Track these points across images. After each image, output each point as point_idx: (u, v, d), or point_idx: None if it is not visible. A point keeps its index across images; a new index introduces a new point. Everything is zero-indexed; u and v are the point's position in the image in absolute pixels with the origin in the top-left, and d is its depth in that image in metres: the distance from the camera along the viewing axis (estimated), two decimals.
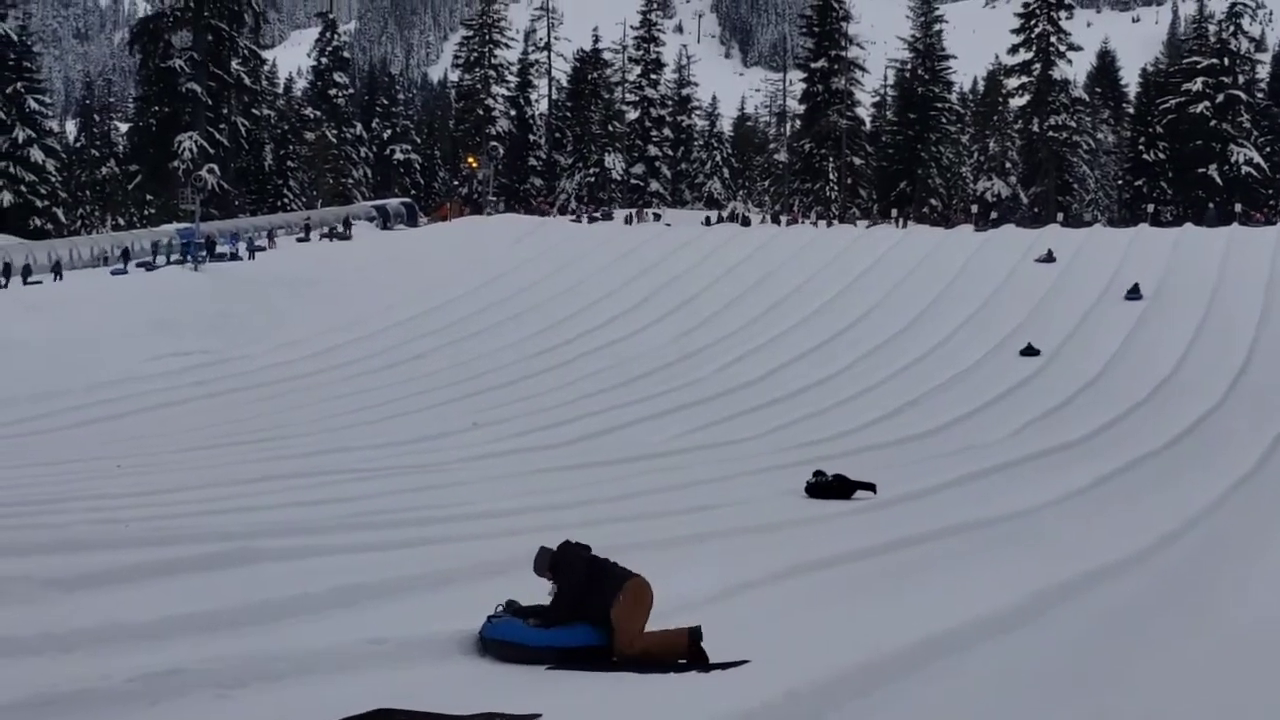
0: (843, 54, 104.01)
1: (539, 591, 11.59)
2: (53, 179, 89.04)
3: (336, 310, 57.57)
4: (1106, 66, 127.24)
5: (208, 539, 16.02)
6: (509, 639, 10.44)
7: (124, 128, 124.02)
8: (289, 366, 48.96)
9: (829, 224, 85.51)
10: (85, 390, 43.99)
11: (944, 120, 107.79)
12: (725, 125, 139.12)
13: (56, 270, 62.85)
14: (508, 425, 36.63)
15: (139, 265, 66.82)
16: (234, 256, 68.88)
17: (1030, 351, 48.11)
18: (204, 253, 67.19)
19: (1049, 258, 61.87)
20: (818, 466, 26.12)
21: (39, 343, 49.06)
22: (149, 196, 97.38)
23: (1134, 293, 55.34)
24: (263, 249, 72.00)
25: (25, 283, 60.26)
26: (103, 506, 21.40)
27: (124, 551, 14.90)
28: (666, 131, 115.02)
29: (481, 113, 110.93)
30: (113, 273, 64.18)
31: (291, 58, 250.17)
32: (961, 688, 9.72)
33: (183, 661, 9.02)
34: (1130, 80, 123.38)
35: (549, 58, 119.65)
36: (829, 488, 24.12)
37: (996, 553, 17.78)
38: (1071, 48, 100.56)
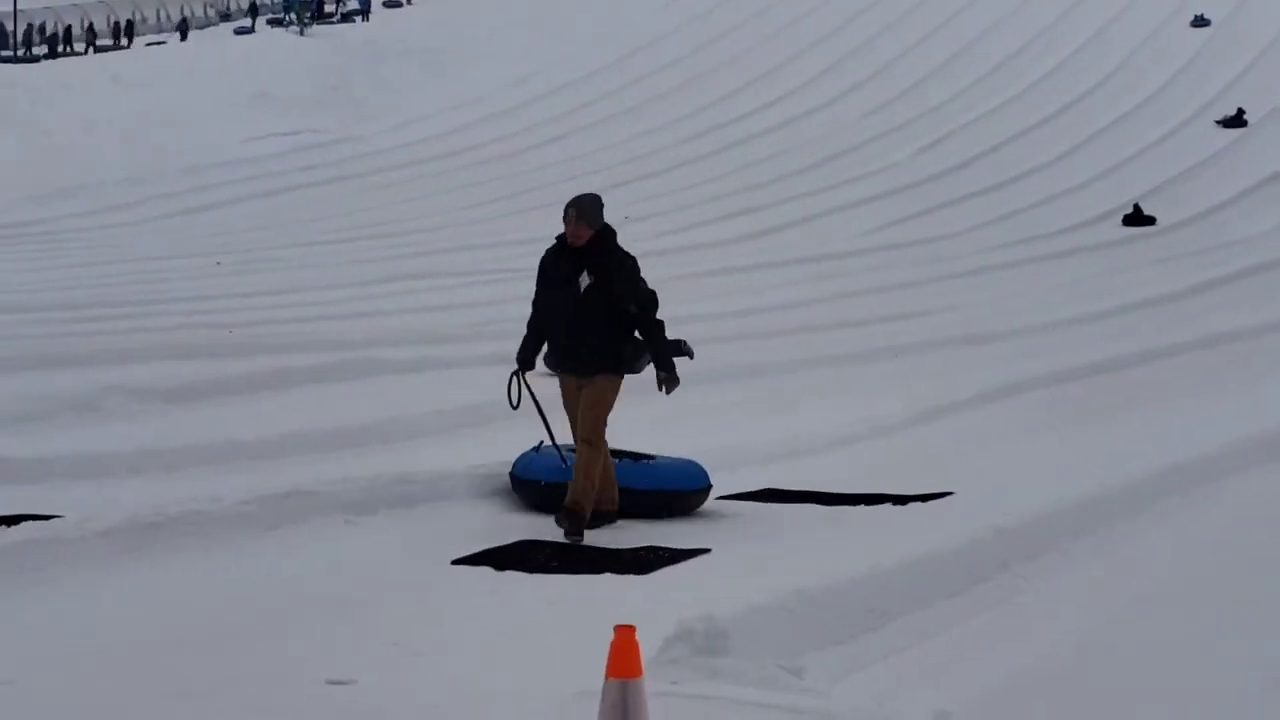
0: None
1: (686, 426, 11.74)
2: None
3: (464, 83, 57.71)
4: None
5: (324, 347, 16.50)
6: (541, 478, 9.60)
7: None
8: (410, 150, 49.44)
9: None
10: (177, 174, 45.01)
11: None
12: None
13: (182, 30, 64.91)
14: (664, 220, 36.71)
15: (269, 23, 68.28)
16: (346, 18, 69.39)
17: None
18: (309, 13, 67.72)
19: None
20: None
21: (125, 119, 50.21)
22: None
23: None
24: (398, 5, 72.20)
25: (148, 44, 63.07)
26: (203, 309, 22.14)
27: (229, 361, 15.45)
28: None
29: None
30: (236, 31, 65.59)
31: None
32: (1203, 525, 9.69)
33: (302, 483, 9.36)
34: None
35: None
36: None
37: (1259, 368, 17.47)
38: None
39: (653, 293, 9.37)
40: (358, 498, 9.29)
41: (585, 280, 9.19)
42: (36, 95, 52.42)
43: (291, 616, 7.19)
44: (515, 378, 9.44)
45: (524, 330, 9.59)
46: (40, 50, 63.73)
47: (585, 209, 9.45)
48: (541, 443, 9.70)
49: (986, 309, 23.96)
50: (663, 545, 8.71)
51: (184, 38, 64.81)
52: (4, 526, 8.18)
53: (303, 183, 44.80)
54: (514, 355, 9.50)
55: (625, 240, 9.59)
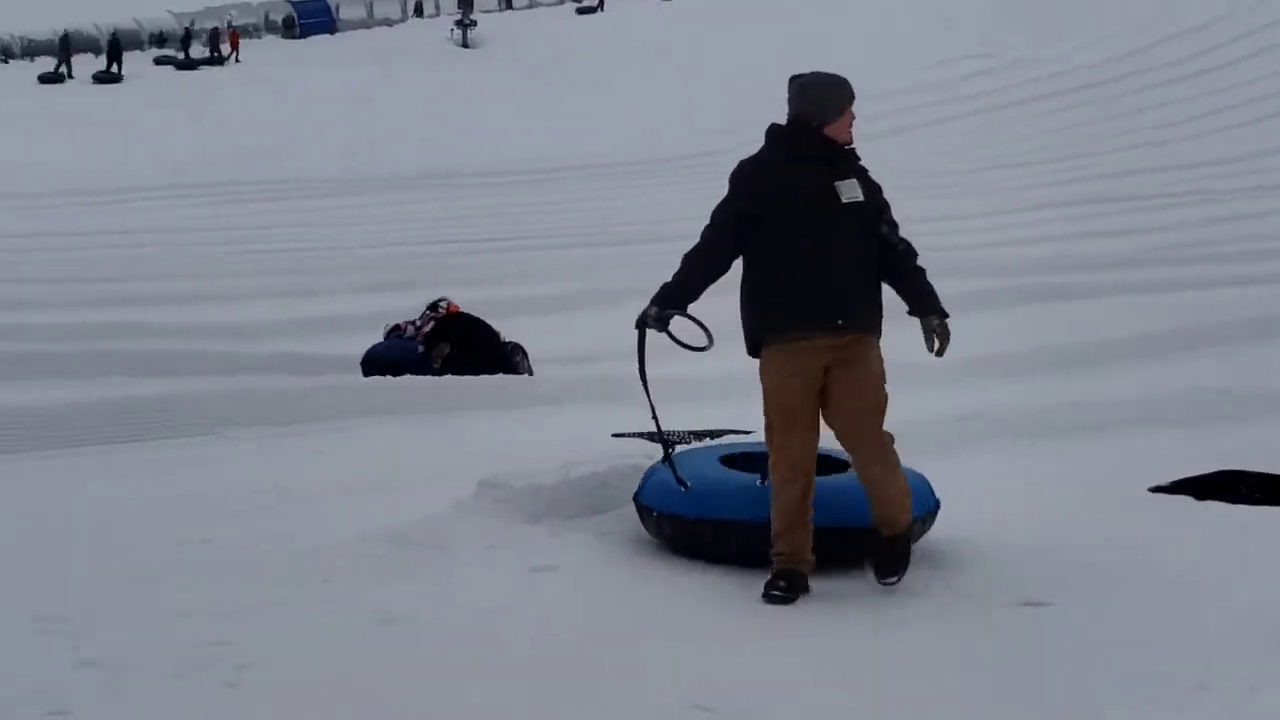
0: None
1: None
2: None
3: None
4: None
5: (1012, 272, 16.43)
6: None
7: None
8: (1095, 70, 48.10)
9: None
10: (876, 98, 45.57)
11: None
12: None
13: None
14: None
15: None
16: None
17: None
18: None
19: None
20: None
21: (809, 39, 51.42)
22: None
23: None
24: None
25: None
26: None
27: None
28: None
29: None
30: None
31: None
32: None
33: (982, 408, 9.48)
34: None
35: None
36: None
37: None
38: None
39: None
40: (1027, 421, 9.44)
41: (853, 193, 5.92)
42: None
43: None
44: (646, 334, 6.13)
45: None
46: None
47: None
48: (669, 451, 6.50)
49: None
50: None
51: None
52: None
53: (979, 108, 44.50)
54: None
55: None
